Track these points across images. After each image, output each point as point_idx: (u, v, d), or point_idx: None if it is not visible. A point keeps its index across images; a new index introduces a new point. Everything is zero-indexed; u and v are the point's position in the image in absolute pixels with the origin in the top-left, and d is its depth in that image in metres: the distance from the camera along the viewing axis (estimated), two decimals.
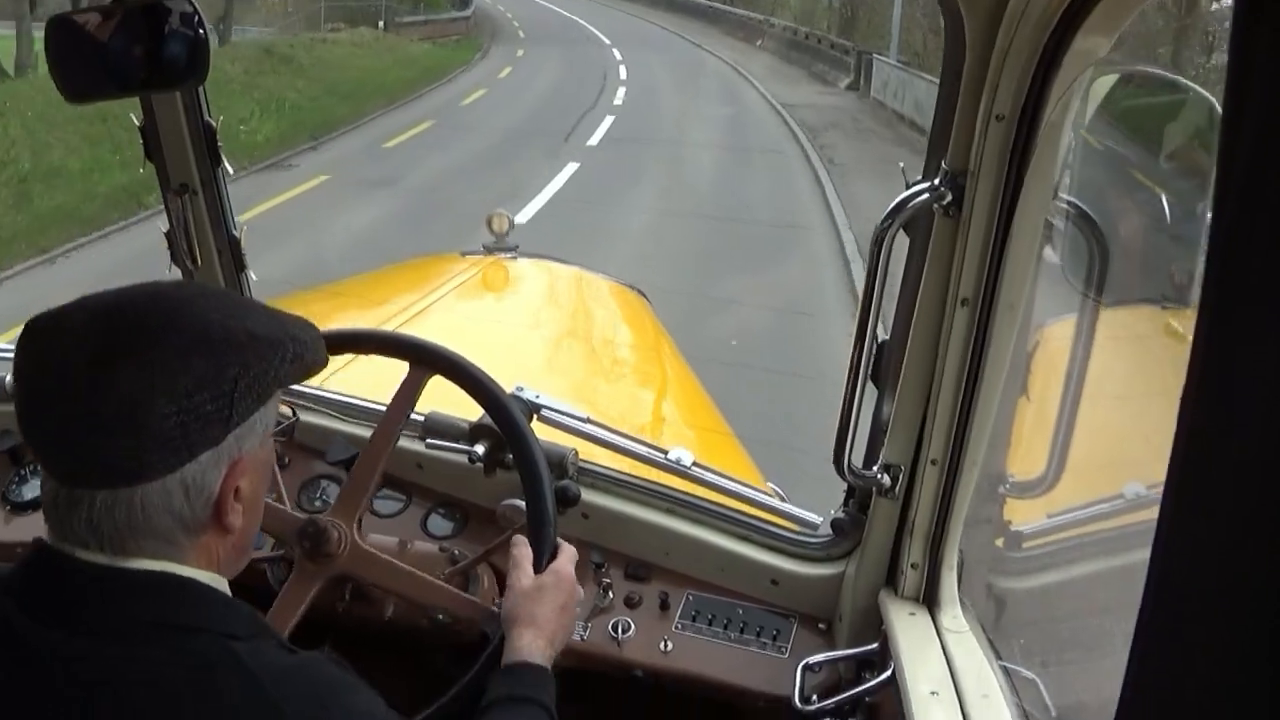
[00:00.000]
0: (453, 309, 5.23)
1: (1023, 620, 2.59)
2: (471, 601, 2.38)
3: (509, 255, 5.87)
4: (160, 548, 1.56)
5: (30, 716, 1.50)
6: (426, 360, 2.57)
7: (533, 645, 2.08)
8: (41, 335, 1.54)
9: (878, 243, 2.19)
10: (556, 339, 5.35)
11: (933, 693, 2.19)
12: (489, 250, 5.86)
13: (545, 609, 2.16)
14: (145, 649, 1.51)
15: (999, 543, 2.73)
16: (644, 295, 6.18)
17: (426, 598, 2.41)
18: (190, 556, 1.59)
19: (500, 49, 45.53)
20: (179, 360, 1.49)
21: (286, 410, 1.72)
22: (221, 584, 1.66)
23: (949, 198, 2.09)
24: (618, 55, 41.93)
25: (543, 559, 2.30)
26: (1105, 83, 2.21)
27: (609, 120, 27.25)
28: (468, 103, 30.43)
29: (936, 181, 2.10)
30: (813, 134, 25.92)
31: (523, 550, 2.27)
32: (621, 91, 32.86)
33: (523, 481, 2.46)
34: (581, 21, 55.91)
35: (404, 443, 2.78)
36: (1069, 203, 2.18)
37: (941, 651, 2.33)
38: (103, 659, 1.50)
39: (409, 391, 2.56)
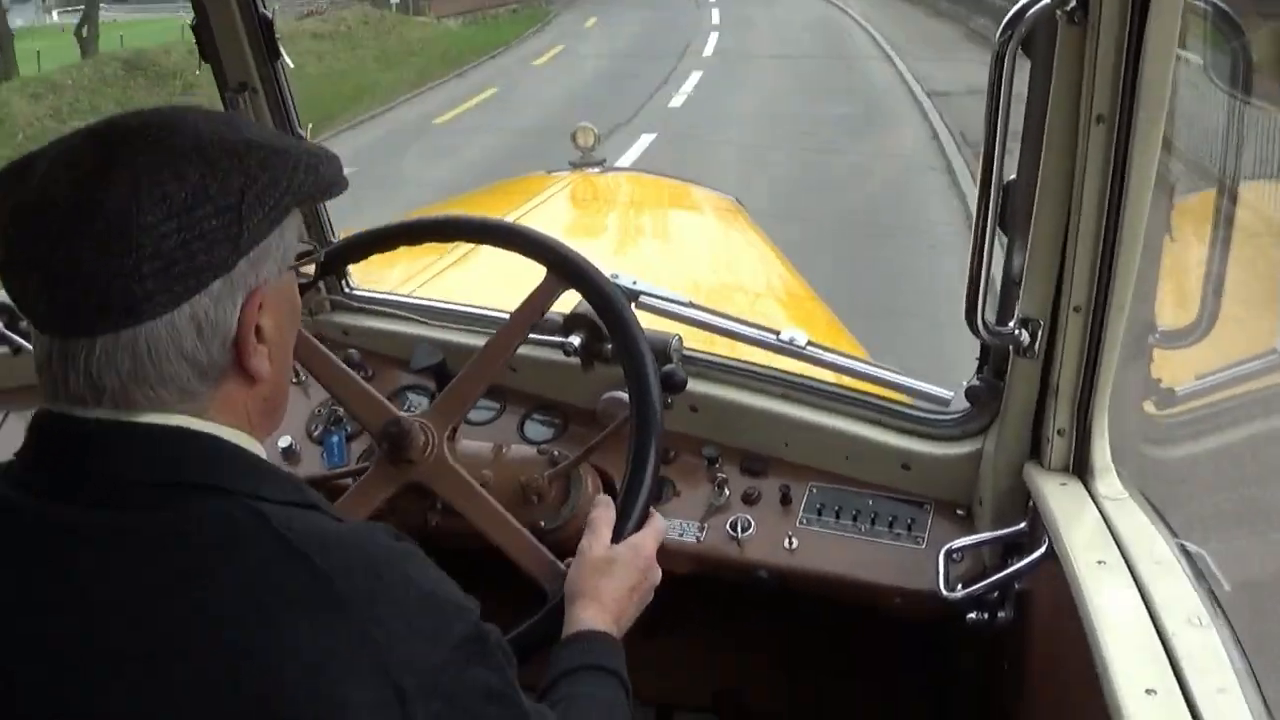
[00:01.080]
0: (540, 223, 5.03)
1: (1183, 491, 2.36)
2: (537, 551, 2.14)
3: (595, 169, 5.70)
4: (174, 398, 1.35)
5: (29, 600, 1.30)
6: (568, 271, 2.35)
7: (595, 621, 1.89)
8: (16, 175, 1.34)
9: (997, 63, 1.94)
10: (651, 243, 5.19)
11: (1099, 562, 1.96)
12: (575, 166, 5.70)
13: (614, 586, 1.95)
14: (153, 513, 1.31)
15: (1149, 405, 2.49)
16: (741, 204, 5.99)
17: (497, 535, 2.18)
18: (211, 409, 1.38)
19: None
20: (172, 169, 1.30)
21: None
22: (253, 445, 1.44)
23: (1073, 1, 1.84)
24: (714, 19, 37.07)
25: (647, 454, 2.13)
26: None
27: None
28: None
29: None
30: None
31: (603, 513, 2.06)
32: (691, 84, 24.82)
33: (623, 365, 2.27)
34: None
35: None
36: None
37: (1102, 520, 2.09)
38: (106, 528, 1.31)
39: (543, 298, 2.37)
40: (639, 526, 2.08)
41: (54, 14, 45.89)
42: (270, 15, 2.75)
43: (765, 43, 32.03)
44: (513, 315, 2.38)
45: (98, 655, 1.26)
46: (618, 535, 2.04)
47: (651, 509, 2.13)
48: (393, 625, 1.30)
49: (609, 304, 2.32)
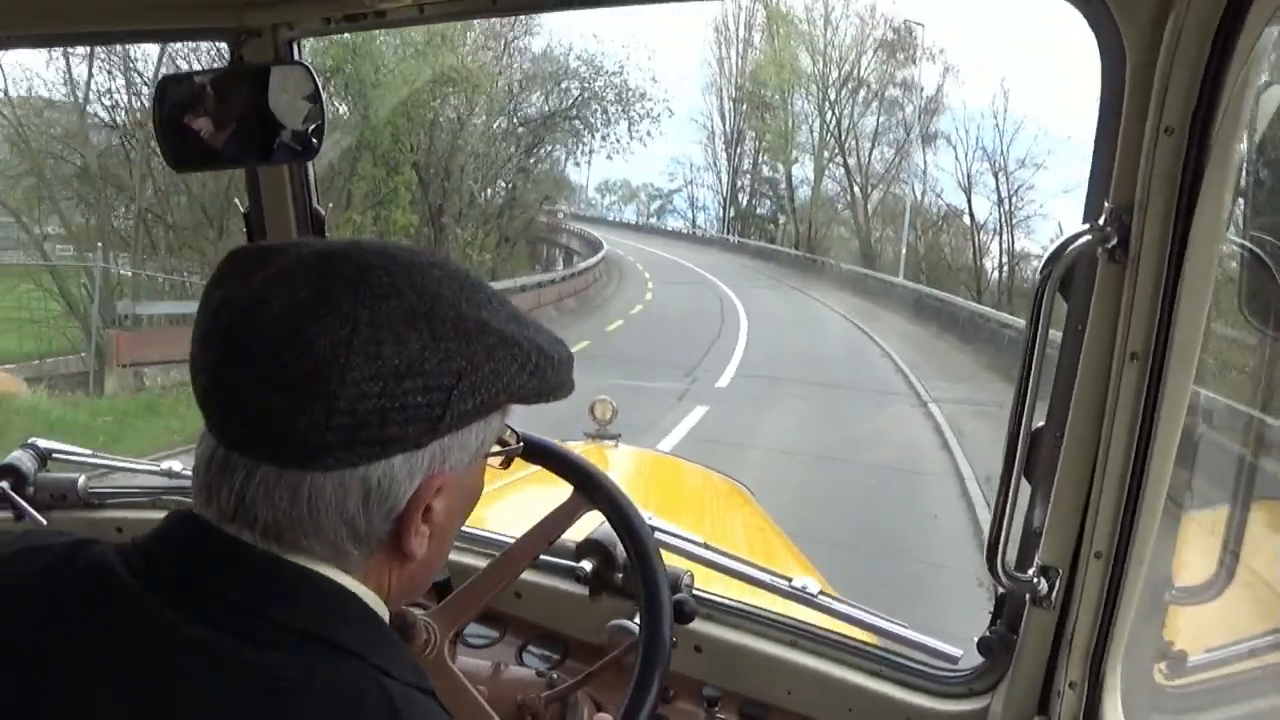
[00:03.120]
0: (552, 492, 5.03)
1: None
2: None
3: (611, 443, 5.74)
4: (325, 553, 1.29)
5: (124, 702, 1.20)
6: (591, 489, 2.36)
7: None
8: (241, 264, 1.29)
9: (1036, 303, 1.97)
10: (659, 508, 5.16)
11: None
12: (590, 438, 5.74)
13: None
14: (279, 655, 1.22)
15: (1159, 673, 2.44)
16: (748, 489, 6.01)
17: None
18: (359, 573, 1.33)
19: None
20: (393, 329, 1.23)
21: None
22: (386, 614, 1.38)
23: (1114, 239, 1.89)
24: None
25: (653, 677, 2.10)
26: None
27: None
28: None
29: (1101, 221, 1.90)
30: None
31: None
32: None
33: (638, 583, 2.25)
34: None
35: None
36: (1239, 243, 1.98)
37: None
38: (230, 656, 1.21)
39: (568, 515, 2.37)
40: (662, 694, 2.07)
41: None
42: (324, 212, 2.81)
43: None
44: (536, 526, 2.36)
45: None
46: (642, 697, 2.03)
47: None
48: None
49: (630, 523, 2.32)
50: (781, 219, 65.48)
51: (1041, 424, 2.12)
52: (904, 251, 52.75)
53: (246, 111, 2.36)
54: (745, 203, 67.82)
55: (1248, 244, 1.96)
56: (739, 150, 66.87)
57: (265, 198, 2.78)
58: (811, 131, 61.51)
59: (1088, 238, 1.91)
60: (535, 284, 39.61)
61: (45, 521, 3.01)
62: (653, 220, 72.15)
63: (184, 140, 2.38)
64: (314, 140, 2.42)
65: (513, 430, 1.51)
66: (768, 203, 67.20)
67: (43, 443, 3.22)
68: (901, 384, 28.53)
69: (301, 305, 1.22)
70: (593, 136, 46.42)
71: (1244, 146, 1.84)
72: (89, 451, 3.37)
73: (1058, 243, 1.94)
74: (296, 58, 2.57)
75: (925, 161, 55.22)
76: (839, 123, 59.44)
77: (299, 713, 1.20)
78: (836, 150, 59.56)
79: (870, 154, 58.29)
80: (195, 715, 1.19)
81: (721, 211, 68.87)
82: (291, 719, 1.20)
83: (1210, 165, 1.78)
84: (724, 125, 66.73)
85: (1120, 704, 2.14)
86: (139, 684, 1.20)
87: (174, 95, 2.38)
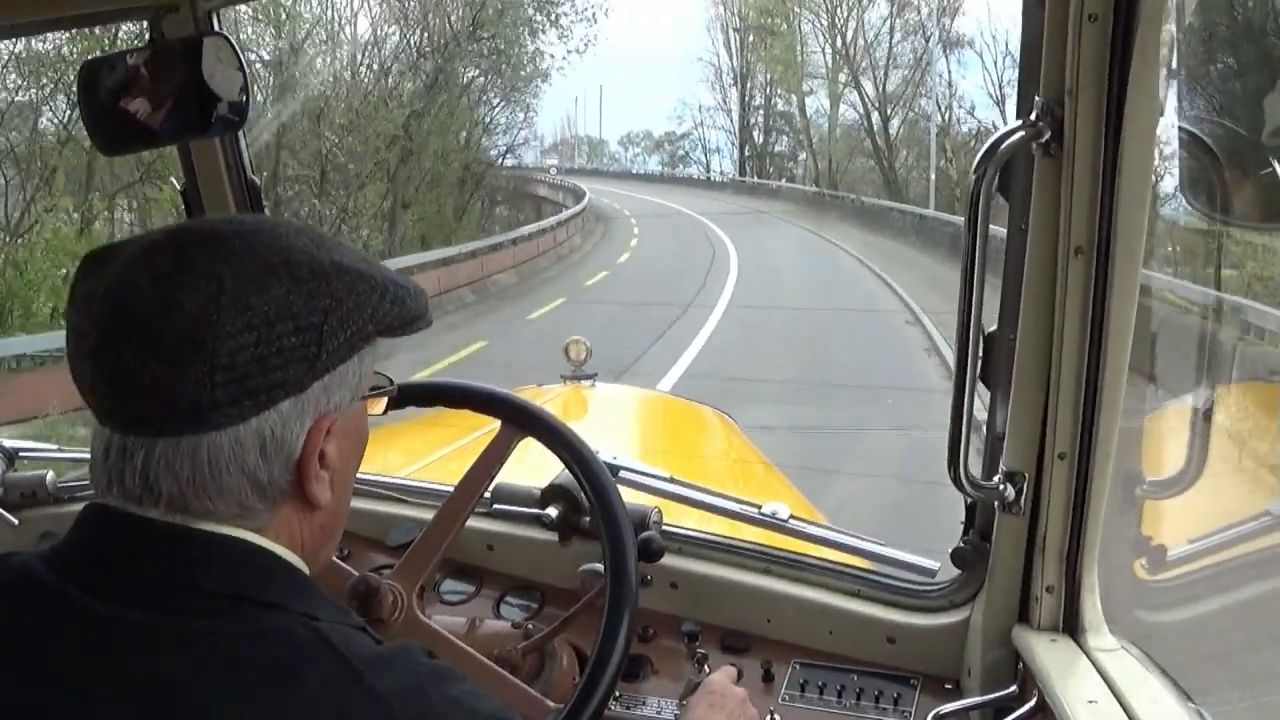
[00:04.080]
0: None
1: (1182, 657, 2.27)
2: (523, 690, 2.13)
3: (587, 383, 5.71)
4: (231, 511, 1.30)
5: (80, 695, 1.22)
6: (518, 418, 2.36)
7: None
8: (98, 263, 1.31)
9: (973, 203, 1.91)
10: (635, 442, 5.15)
11: (1090, 701, 1.88)
12: (566, 379, 5.71)
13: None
14: (217, 623, 1.25)
15: (1140, 564, 2.42)
16: (731, 418, 5.99)
17: (478, 681, 2.12)
18: (269, 529, 1.34)
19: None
20: (256, 281, 1.25)
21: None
22: (304, 567, 1.39)
23: (1048, 133, 1.84)
24: None
25: (621, 618, 2.11)
26: None
27: None
28: None
29: (1033, 116, 1.85)
30: None
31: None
32: None
33: (599, 526, 2.24)
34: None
35: (472, 523, 2.55)
36: (1177, 126, 1.93)
37: (1095, 670, 2.01)
38: (162, 632, 1.24)
39: (499, 450, 2.36)
40: (612, 683, 2.07)
41: None
42: (258, 182, 2.79)
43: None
44: (472, 466, 2.37)
45: None
46: (587, 695, 2.04)
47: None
48: None
49: (579, 456, 2.32)
50: (801, 155, 63.59)
51: (994, 328, 2.08)
52: (932, 178, 48.18)
53: (181, 88, 2.32)
54: (761, 141, 66.42)
55: (1185, 126, 1.91)
56: (749, 86, 65.55)
57: (199, 172, 2.75)
58: (823, 54, 59.67)
59: (1021, 134, 1.86)
60: (468, 253, 32.65)
61: (16, 521, 2.98)
62: (677, 169, 70.26)
63: (118, 124, 2.34)
64: (245, 109, 2.38)
65: (383, 374, 1.51)
66: (785, 140, 65.87)
67: (8, 442, 3.20)
68: (938, 373, 18.90)
69: (165, 276, 1.25)
70: (507, 64, 41.76)
71: (1171, 27, 1.78)
72: (55, 447, 3.37)
73: (990, 141, 1.89)
74: (216, 28, 2.52)
75: (949, 72, 52.33)
76: (849, 39, 57.38)
77: (238, 668, 1.22)
78: (850, 76, 57.31)
79: (886, 68, 56.26)
80: (144, 696, 1.21)
81: (736, 153, 67.83)
82: (234, 674, 1.22)
83: (1138, 49, 1.73)
84: (731, 60, 65.44)
85: (1100, 603, 2.12)
86: (84, 680, 1.22)
87: (105, 79, 2.32)
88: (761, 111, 65.73)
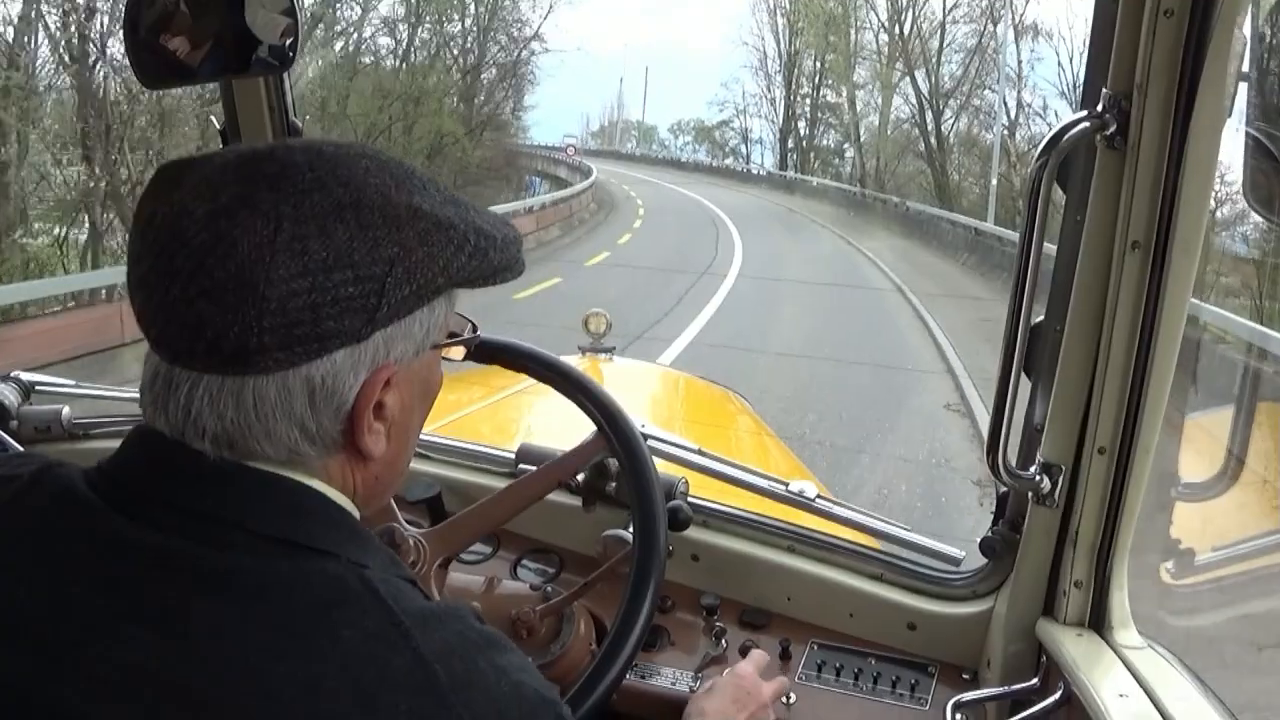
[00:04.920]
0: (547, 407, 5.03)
1: (1203, 662, 2.27)
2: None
3: (605, 356, 5.69)
4: (281, 455, 1.25)
5: (102, 628, 1.17)
6: (607, 414, 2.33)
7: None
8: (165, 181, 1.25)
9: (1033, 193, 1.90)
10: (654, 416, 5.14)
11: (1121, 695, 1.88)
12: (584, 351, 5.69)
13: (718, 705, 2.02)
14: (263, 563, 1.20)
15: (1167, 567, 2.42)
16: (744, 398, 5.99)
17: None
18: (321, 474, 1.29)
19: None
20: (318, 223, 1.19)
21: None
22: (356, 513, 1.34)
23: (1113, 126, 1.83)
24: None
25: (647, 585, 2.10)
26: None
27: None
28: None
29: (1099, 108, 1.84)
30: None
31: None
32: None
33: (631, 495, 2.24)
34: None
35: (495, 482, 2.56)
36: (1244, 129, 1.91)
37: (1123, 665, 2.01)
38: (203, 567, 1.19)
39: (588, 453, 2.36)
40: (640, 639, 2.06)
41: None
42: (300, 125, 2.78)
43: None
44: (553, 463, 2.38)
45: (183, 701, 1.14)
46: (617, 645, 2.05)
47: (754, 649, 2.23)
48: (483, 712, 1.23)
49: (620, 428, 2.29)
50: (848, 151, 59.39)
51: (1041, 319, 2.08)
52: (994, 184, 40.48)
53: (222, 27, 2.31)
54: (806, 133, 62.49)
55: (1251, 130, 1.90)
56: (795, 73, 61.60)
57: (241, 112, 2.73)
58: (877, 40, 55.72)
59: (1085, 125, 1.85)
60: None
61: None
62: (727, 160, 66.87)
63: (158, 59, 2.33)
64: (289, 53, 2.37)
65: (465, 318, 1.45)
66: (833, 133, 61.80)
67: (25, 375, 3.17)
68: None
69: (223, 209, 1.19)
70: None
71: (1247, 29, 1.77)
72: (72, 383, 3.34)
73: (1053, 130, 1.88)
74: None
75: (1019, 63, 46.75)
76: (907, 25, 53.11)
77: (279, 613, 1.18)
78: (905, 67, 53.33)
79: (939, 56, 52.03)
80: (175, 633, 1.16)
81: (777, 144, 63.96)
82: (274, 618, 1.17)
83: (1211, 48, 1.72)
84: (777, 45, 61.55)
85: (1127, 602, 2.11)
86: (113, 608, 1.18)
87: (147, 13, 2.31)
88: (809, 101, 61.79)
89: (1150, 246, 1.85)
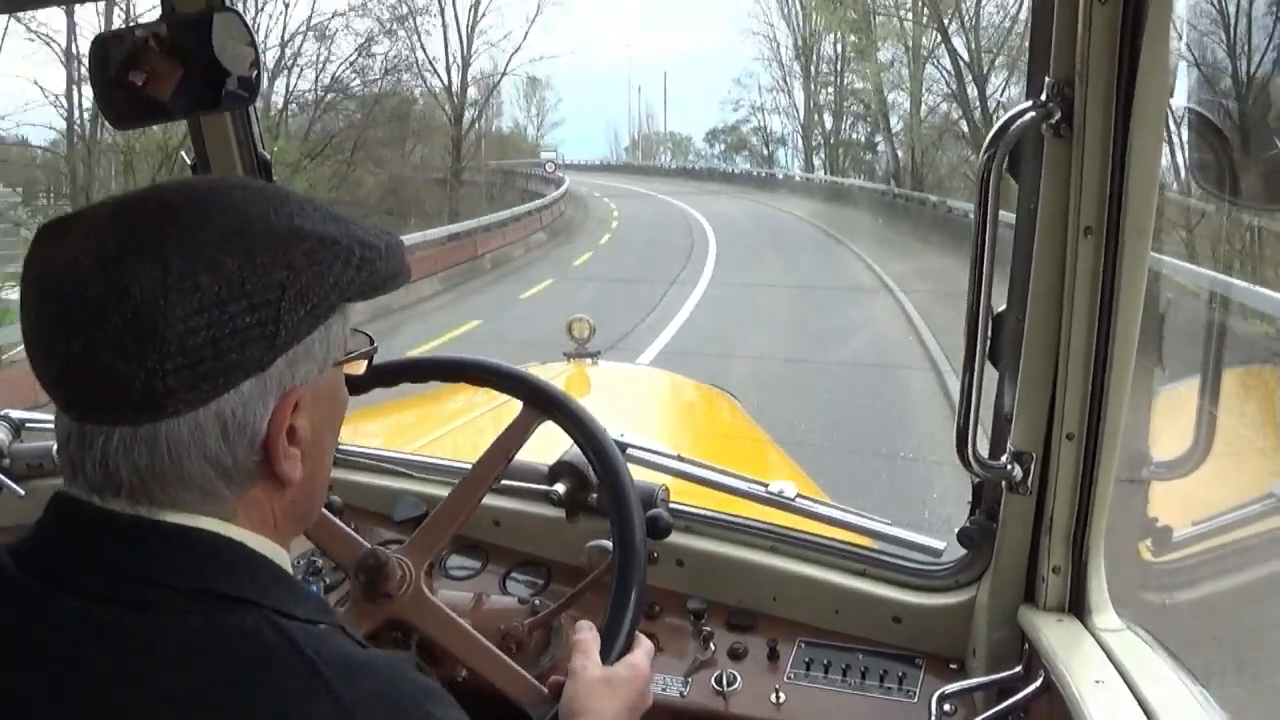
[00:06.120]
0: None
1: (1185, 639, 2.28)
2: (523, 678, 2.10)
3: (590, 361, 5.71)
4: (196, 499, 1.25)
5: (29, 696, 1.18)
6: (538, 399, 2.35)
7: None
8: (49, 238, 1.24)
9: (983, 184, 1.92)
10: (640, 421, 5.15)
11: (1098, 681, 1.89)
12: (569, 357, 5.71)
13: (615, 706, 1.89)
14: (178, 620, 1.20)
15: (1145, 549, 2.43)
16: (734, 396, 6.00)
17: (478, 663, 2.13)
18: (238, 514, 1.28)
19: None
20: (206, 258, 1.18)
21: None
22: (280, 555, 1.34)
23: (1058, 114, 1.84)
24: None
25: (629, 595, 2.11)
26: None
27: None
28: None
29: (1043, 97, 1.85)
30: None
31: (588, 635, 2.01)
32: None
33: (606, 497, 2.27)
34: None
35: None
36: (1186, 108, 1.92)
37: (1100, 649, 2.02)
38: (127, 629, 1.19)
39: (519, 432, 2.35)
40: (626, 650, 2.04)
41: None
42: (269, 157, 2.80)
43: None
44: (492, 445, 2.35)
45: None
46: (604, 657, 1.99)
47: (638, 633, 2.09)
48: None
49: (592, 436, 2.32)
50: (879, 143, 51.43)
51: (1003, 308, 2.08)
52: None
53: (192, 62, 2.32)
54: (831, 126, 55.05)
55: (1194, 108, 1.91)
56: (814, 58, 54.26)
57: (210, 147, 2.76)
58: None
59: (1031, 114, 1.86)
60: None
61: (22, 492, 2.97)
62: (762, 170, 60.62)
63: (128, 97, 2.34)
64: (257, 85, 2.39)
65: (362, 334, 1.45)
66: (864, 125, 53.75)
67: (15, 413, 3.19)
68: None
69: (111, 258, 1.18)
70: None
71: (1182, 9, 1.78)
72: None
73: (999, 122, 1.89)
74: (228, 4, 2.52)
75: None
76: None
77: (203, 667, 1.18)
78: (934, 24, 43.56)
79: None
80: (110, 696, 1.18)
81: (800, 141, 57.25)
82: (197, 675, 1.18)
83: (1148, 32, 1.73)
84: (789, 26, 54.42)
85: (1105, 584, 2.13)
86: (50, 679, 1.19)
87: (114, 52, 2.32)
88: (832, 90, 54.23)
89: (1103, 231, 1.86)
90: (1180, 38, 1.83)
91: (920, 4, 44.39)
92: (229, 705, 1.16)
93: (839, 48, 51.79)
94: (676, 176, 64.83)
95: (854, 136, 53.76)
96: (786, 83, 56.08)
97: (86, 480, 1.24)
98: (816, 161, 56.01)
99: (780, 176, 57.21)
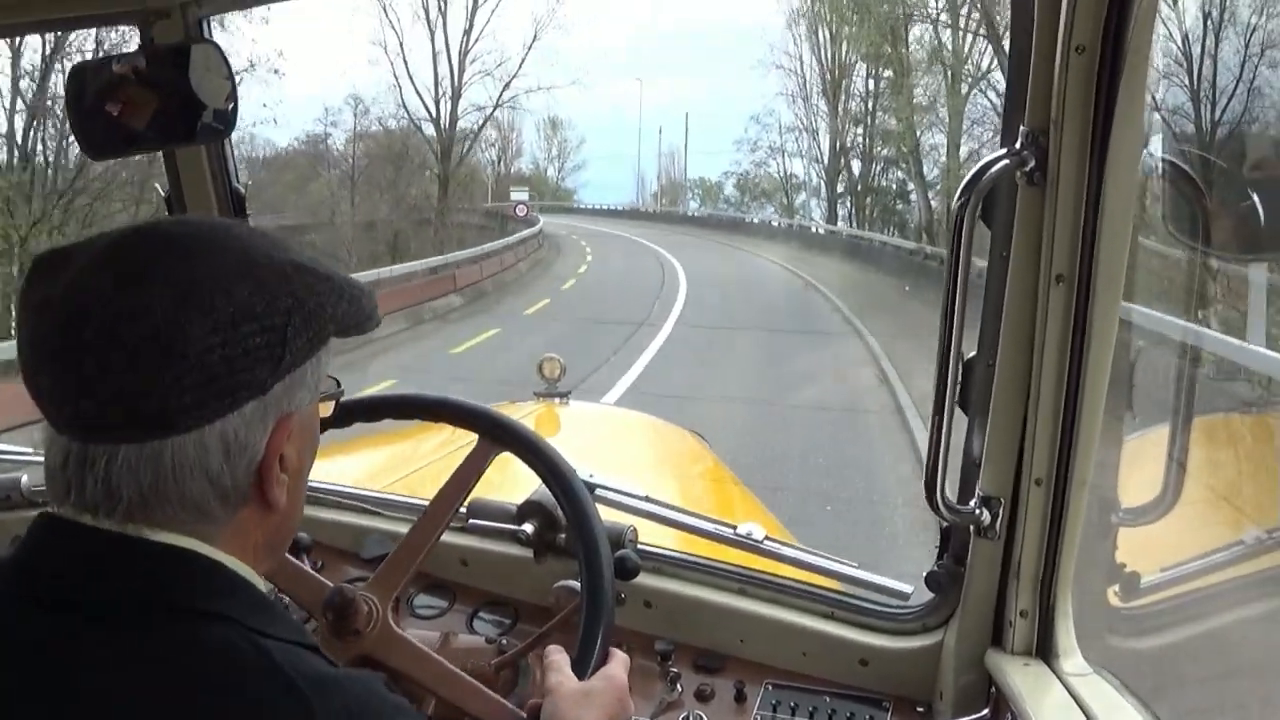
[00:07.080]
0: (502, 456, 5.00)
1: (1152, 684, 2.29)
2: (498, 703, 2.10)
3: (560, 401, 5.70)
4: (190, 518, 1.29)
5: (9, 709, 1.21)
6: (495, 432, 2.38)
7: None
8: (50, 268, 1.29)
9: (956, 229, 1.93)
10: (609, 461, 5.15)
11: None
12: (540, 396, 5.70)
13: (594, 716, 1.89)
14: (154, 635, 1.23)
15: (1114, 591, 2.44)
16: (703, 437, 5.99)
17: (452, 693, 2.12)
18: (223, 537, 1.33)
19: None
20: (219, 284, 1.25)
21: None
22: (257, 580, 1.38)
23: (1032, 162, 1.86)
24: None
25: (596, 636, 2.10)
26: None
27: None
28: None
29: (1017, 145, 1.87)
30: None
31: (559, 657, 2.02)
32: None
33: (573, 530, 2.28)
34: None
35: (447, 537, 2.56)
36: (1161, 158, 1.95)
37: (1069, 694, 2.03)
38: (110, 648, 1.22)
39: (476, 464, 2.37)
40: (604, 661, 2.05)
41: None
42: (243, 190, 2.80)
43: None
44: (449, 479, 2.37)
45: None
46: (587, 653, 2.05)
47: (610, 647, 2.10)
48: None
49: (556, 470, 2.33)
50: (911, 192, 46.09)
51: (973, 354, 2.10)
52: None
53: (168, 94, 2.33)
54: (860, 171, 50.25)
55: (1169, 158, 1.93)
56: (845, 93, 49.70)
57: (185, 179, 2.76)
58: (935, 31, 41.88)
59: (1005, 162, 1.88)
60: None
61: None
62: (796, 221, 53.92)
63: (104, 128, 2.34)
64: (232, 118, 2.39)
65: (331, 377, 1.51)
66: (894, 171, 48.79)
67: None
68: None
69: (129, 277, 1.24)
70: None
71: (1160, 62, 1.80)
72: (30, 450, 3.32)
73: (974, 169, 1.91)
74: (206, 35, 2.53)
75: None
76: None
77: (181, 683, 1.21)
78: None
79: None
80: (92, 714, 1.21)
81: (824, 189, 52.08)
82: (176, 691, 1.21)
83: (1124, 83, 1.75)
84: (818, 61, 49.50)
85: (1073, 629, 2.14)
86: (33, 698, 1.21)
87: (91, 83, 2.33)
88: (862, 131, 49.75)
89: (1074, 279, 1.88)
90: (1156, 90, 1.84)
91: (967, 8, 40.75)
92: (204, 713, 1.20)
93: (870, 83, 48.39)
94: (659, 221, 63.67)
95: (884, 183, 49.71)
96: (812, 120, 51.84)
97: (83, 500, 1.27)
98: (841, 211, 51.32)
99: (792, 228, 52.51)
